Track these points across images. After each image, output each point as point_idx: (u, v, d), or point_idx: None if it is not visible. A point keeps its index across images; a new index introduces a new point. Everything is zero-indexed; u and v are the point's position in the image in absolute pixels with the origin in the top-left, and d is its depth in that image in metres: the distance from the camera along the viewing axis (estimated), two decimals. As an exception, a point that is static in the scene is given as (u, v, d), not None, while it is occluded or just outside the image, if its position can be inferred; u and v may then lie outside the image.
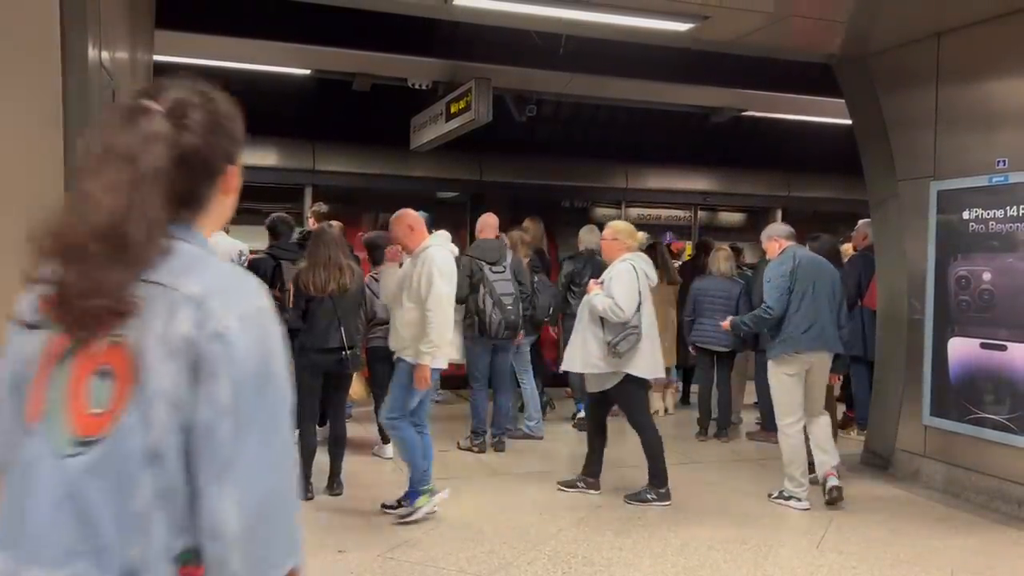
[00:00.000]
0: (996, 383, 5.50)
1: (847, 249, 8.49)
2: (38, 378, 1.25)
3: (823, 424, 5.58)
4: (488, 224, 6.92)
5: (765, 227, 5.94)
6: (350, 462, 5.75)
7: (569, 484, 5.67)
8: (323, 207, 7.60)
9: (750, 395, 7.81)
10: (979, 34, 5.66)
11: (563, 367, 5.68)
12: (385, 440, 6.36)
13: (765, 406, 6.98)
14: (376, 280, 5.94)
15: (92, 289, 1.19)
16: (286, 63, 8.13)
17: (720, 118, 10.31)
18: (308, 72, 8.42)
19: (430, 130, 8.83)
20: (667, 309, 8.32)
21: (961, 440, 5.77)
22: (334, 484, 5.50)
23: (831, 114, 9.11)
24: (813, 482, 6.03)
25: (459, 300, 6.72)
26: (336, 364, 5.38)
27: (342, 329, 5.31)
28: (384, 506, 5.15)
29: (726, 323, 6.09)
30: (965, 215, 5.74)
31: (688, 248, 11.27)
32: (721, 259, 7.59)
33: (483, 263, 6.61)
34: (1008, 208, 5.43)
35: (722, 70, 8.48)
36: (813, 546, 4.78)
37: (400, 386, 4.94)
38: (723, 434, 7.47)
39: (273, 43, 7.36)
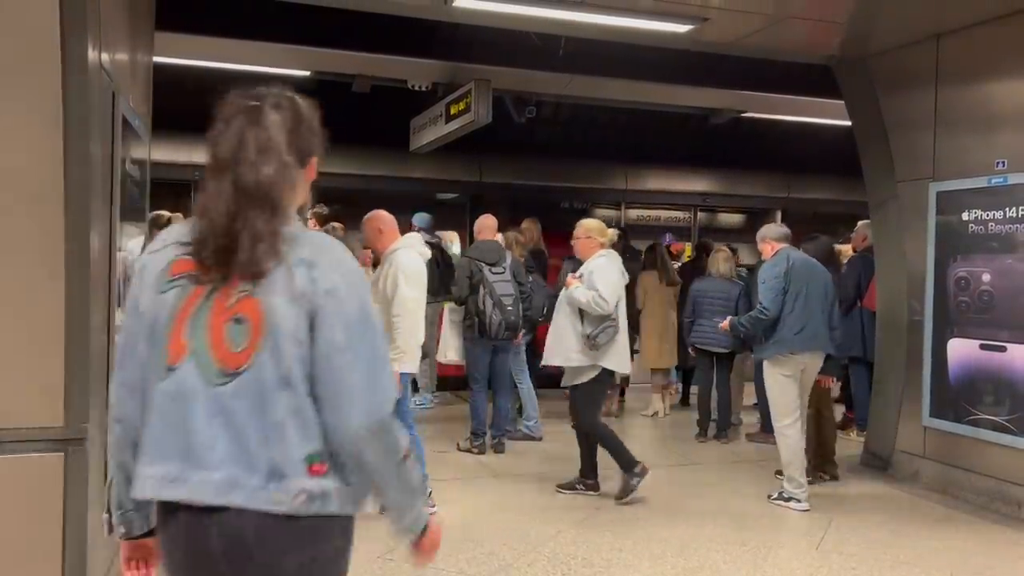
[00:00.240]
0: (995, 384, 5.50)
1: (846, 250, 8.49)
2: (175, 328, 1.63)
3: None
4: (487, 225, 6.93)
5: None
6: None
7: (568, 486, 5.67)
8: (324, 209, 7.60)
9: (749, 396, 7.81)
10: (978, 35, 5.66)
11: (544, 362, 5.69)
12: None
13: (764, 407, 6.98)
14: None
15: (242, 254, 1.59)
16: (286, 65, 8.13)
17: (719, 119, 10.31)
18: (308, 74, 8.42)
19: (430, 131, 8.83)
20: (667, 310, 8.32)
21: (960, 441, 5.77)
22: None
23: (831, 115, 9.12)
24: (812, 481, 6.05)
25: (459, 301, 6.74)
26: None
27: None
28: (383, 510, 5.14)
29: (725, 324, 6.10)
30: (964, 216, 5.74)
31: (688, 249, 11.27)
32: (720, 260, 7.59)
33: (483, 264, 6.62)
34: (1007, 209, 5.44)
35: (721, 71, 8.49)
36: (813, 547, 4.78)
37: None
38: (723, 435, 7.47)
39: (273, 45, 7.37)
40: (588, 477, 5.68)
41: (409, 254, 4.92)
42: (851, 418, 7.85)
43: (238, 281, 1.60)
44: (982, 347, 5.60)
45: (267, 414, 1.59)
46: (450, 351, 7.15)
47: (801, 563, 4.55)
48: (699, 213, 12.27)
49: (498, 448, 6.82)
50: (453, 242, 9.95)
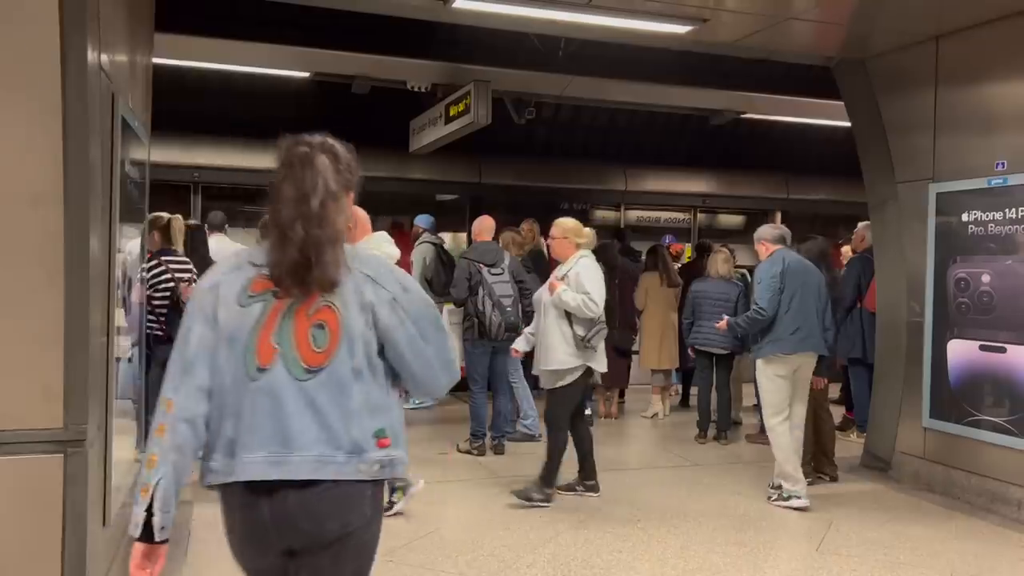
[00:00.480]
0: (995, 385, 5.50)
1: (846, 251, 8.49)
2: (262, 335, 1.97)
3: (799, 432, 5.64)
4: (484, 227, 6.93)
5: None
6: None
7: (567, 488, 5.66)
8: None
9: (749, 397, 7.80)
10: (977, 37, 5.66)
11: (535, 369, 5.58)
12: None
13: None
14: None
15: (317, 271, 1.97)
16: (285, 66, 8.14)
17: (719, 120, 10.32)
18: (307, 75, 8.43)
19: (429, 133, 8.83)
20: (668, 312, 8.33)
21: (961, 442, 5.77)
22: None
23: (830, 116, 9.12)
24: (812, 483, 6.05)
25: (458, 303, 6.74)
26: None
27: None
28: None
29: (722, 324, 6.11)
30: (964, 217, 5.74)
31: (688, 250, 11.27)
32: (720, 261, 7.60)
33: (481, 265, 6.62)
34: (1007, 210, 5.44)
35: (721, 72, 8.49)
36: (813, 548, 4.78)
37: None
38: (722, 436, 7.47)
39: (272, 46, 7.37)
40: (587, 477, 5.67)
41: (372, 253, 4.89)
42: (851, 419, 7.84)
43: (317, 294, 1.98)
44: (982, 348, 5.60)
45: (345, 401, 1.98)
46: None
47: (801, 564, 4.55)
48: (699, 214, 12.27)
49: (498, 449, 6.82)
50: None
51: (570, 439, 5.55)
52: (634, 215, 11.96)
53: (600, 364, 5.46)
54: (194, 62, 7.85)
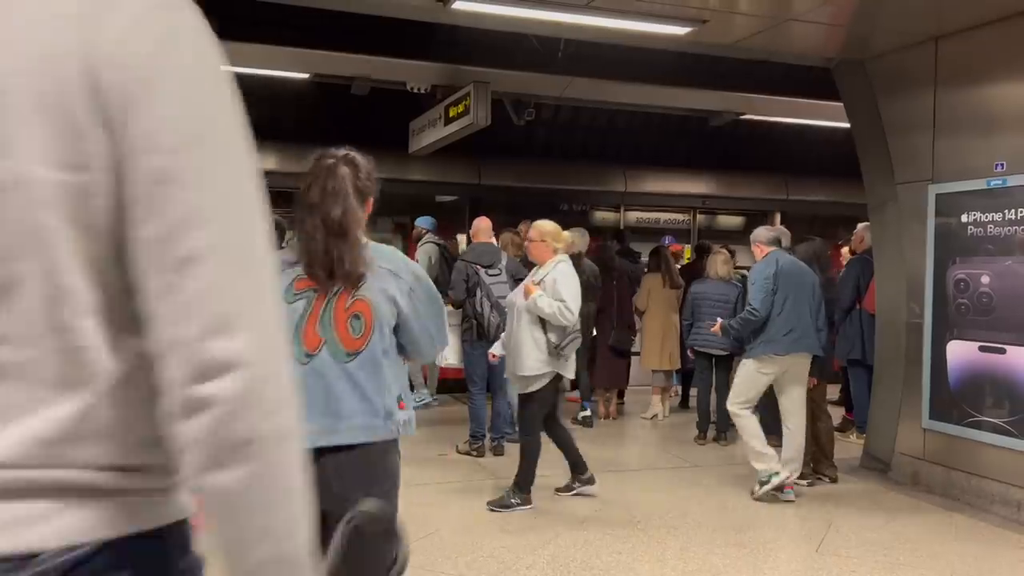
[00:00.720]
0: (995, 386, 5.50)
1: (845, 252, 8.49)
2: (308, 327, 2.42)
3: (796, 431, 5.71)
4: (482, 228, 6.93)
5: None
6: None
7: (565, 488, 5.66)
8: None
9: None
10: (977, 38, 5.66)
11: (507, 372, 5.51)
12: None
13: (764, 410, 6.97)
14: None
15: (341, 268, 2.40)
16: (284, 67, 8.13)
17: (719, 121, 10.31)
18: (307, 76, 8.42)
19: (429, 134, 8.83)
20: (670, 313, 8.34)
21: (960, 443, 5.77)
22: None
23: (830, 117, 9.12)
24: (811, 484, 6.06)
25: (456, 304, 6.74)
26: None
27: None
28: None
29: (716, 328, 6.15)
30: (963, 218, 5.74)
31: (687, 251, 11.27)
32: (719, 262, 7.60)
33: (479, 267, 6.61)
34: (1006, 211, 5.44)
35: (721, 73, 8.49)
36: (812, 549, 4.78)
37: None
38: (722, 437, 7.46)
39: (271, 47, 7.36)
40: (580, 472, 5.64)
41: None
42: (851, 420, 7.84)
43: (350, 289, 2.42)
44: (981, 349, 5.60)
45: (379, 377, 2.46)
46: (449, 354, 7.15)
47: (800, 565, 4.54)
48: (698, 215, 12.27)
49: (497, 450, 6.81)
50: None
51: (552, 443, 5.52)
52: (633, 216, 11.96)
53: (569, 371, 5.32)
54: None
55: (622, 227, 11.24)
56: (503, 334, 5.81)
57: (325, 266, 2.38)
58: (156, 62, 0.83)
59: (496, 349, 5.87)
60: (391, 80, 8.48)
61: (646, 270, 8.69)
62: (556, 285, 5.15)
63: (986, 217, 5.58)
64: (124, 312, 0.85)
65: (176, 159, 0.82)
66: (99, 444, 0.85)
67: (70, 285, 0.82)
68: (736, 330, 5.82)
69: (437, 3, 5.67)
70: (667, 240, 11.03)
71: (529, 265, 7.68)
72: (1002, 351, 5.45)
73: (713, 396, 7.64)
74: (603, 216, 11.86)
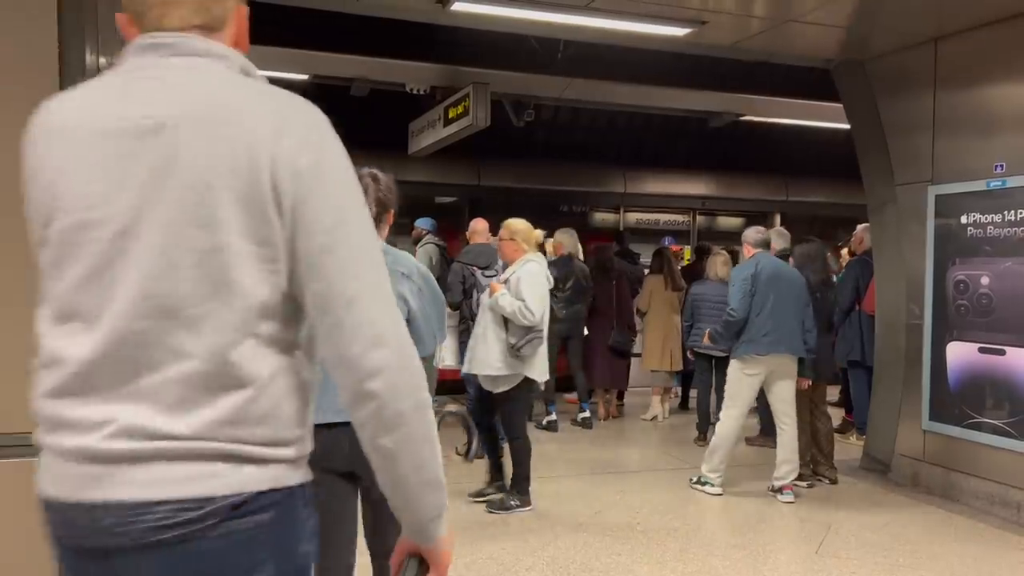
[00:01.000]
0: (995, 387, 5.50)
1: (845, 254, 8.49)
2: None
3: (789, 431, 5.74)
4: (478, 229, 6.93)
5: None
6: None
7: (478, 493, 5.57)
8: None
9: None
10: (976, 39, 5.66)
11: (464, 370, 5.46)
12: None
13: (764, 411, 6.99)
14: None
15: None
16: (284, 68, 8.12)
17: (718, 122, 10.32)
18: (306, 77, 8.42)
19: (428, 135, 8.84)
20: (671, 314, 8.34)
21: (960, 445, 5.76)
22: None
23: (829, 118, 9.13)
24: (811, 485, 6.06)
25: (453, 306, 6.73)
26: None
27: None
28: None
29: (705, 338, 6.18)
30: (963, 219, 5.74)
31: (687, 252, 11.28)
32: (718, 264, 7.60)
33: (475, 268, 6.61)
34: (1006, 212, 5.44)
35: (720, 74, 8.50)
36: (812, 551, 4.78)
37: None
38: (722, 439, 7.46)
39: (271, 48, 7.36)
40: (494, 480, 5.57)
41: None
42: (850, 422, 7.84)
43: None
44: (981, 351, 5.60)
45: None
46: (447, 356, 7.14)
47: (800, 567, 4.54)
48: (698, 216, 12.28)
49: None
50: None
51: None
52: (633, 217, 11.98)
53: (537, 374, 5.22)
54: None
55: (622, 228, 11.24)
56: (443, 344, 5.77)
57: None
58: (315, 170, 1.24)
59: (448, 359, 5.87)
60: (390, 81, 8.49)
61: (648, 271, 8.69)
62: (519, 284, 5.10)
63: (986, 218, 5.58)
64: (280, 338, 1.26)
65: (332, 235, 1.23)
66: (256, 426, 1.23)
67: (242, 322, 1.21)
68: (720, 334, 5.88)
69: (436, 4, 5.67)
70: (667, 241, 11.05)
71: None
72: (1002, 352, 5.44)
73: (713, 397, 7.63)
74: (603, 217, 11.88)
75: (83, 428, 1.24)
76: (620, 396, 8.85)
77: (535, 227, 8.16)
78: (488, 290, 5.26)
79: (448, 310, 7.05)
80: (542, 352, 5.22)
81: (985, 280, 5.58)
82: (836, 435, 6.65)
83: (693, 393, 8.45)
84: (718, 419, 7.57)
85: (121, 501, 1.19)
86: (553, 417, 7.91)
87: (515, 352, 5.08)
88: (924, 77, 6.05)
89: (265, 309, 1.23)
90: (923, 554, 4.76)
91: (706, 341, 6.23)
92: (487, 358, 5.12)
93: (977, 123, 5.72)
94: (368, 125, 9.16)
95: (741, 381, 5.71)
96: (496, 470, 5.61)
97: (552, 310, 7.69)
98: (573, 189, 11.09)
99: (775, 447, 5.84)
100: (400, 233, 9.60)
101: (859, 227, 7.66)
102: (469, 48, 7.69)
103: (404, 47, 7.65)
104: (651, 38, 6.29)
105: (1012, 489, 5.40)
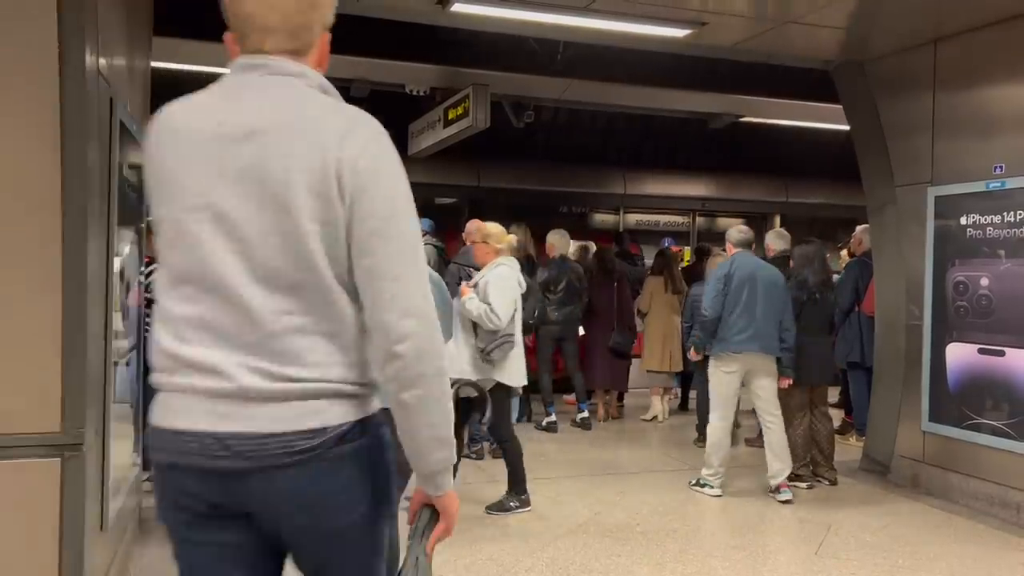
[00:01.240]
0: (994, 389, 5.50)
1: (844, 255, 8.49)
2: None
3: (775, 429, 5.78)
4: (473, 231, 6.91)
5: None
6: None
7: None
8: None
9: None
10: (976, 40, 5.67)
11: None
12: None
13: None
14: None
15: None
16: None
17: (718, 124, 10.32)
18: (306, 78, 8.41)
19: (428, 136, 8.84)
20: (672, 315, 8.34)
21: (960, 446, 5.76)
22: None
23: (829, 120, 9.13)
24: (811, 486, 6.05)
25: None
26: None
27: None
28: None
29: (691, 353, 6.19)
30: (963, 220, 5.74)
31: (687, 254, 11.28)
32: (717, 265, 7.59)
33: (471, 270, 6.60)
34: (1005, 213, 5.44)
35: (720, 76, 8.50)
36: (811, 552, 4.78)
37: None
38: (721, 440, 7.46)
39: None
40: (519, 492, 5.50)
41: None
42: (850, 423, 7.84)
43: None
44: (981, 352, 5.60)
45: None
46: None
47: (800, 568, 4.54)
48: (698, 218, 12.28)
49: (496, 453, 6.79)
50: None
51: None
52: (633, 218, 11.97)
53: (510, 379, 5.17)
54: (193, 66, 7.84)
55: (621, 229, 11.24)
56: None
57: None
58: (373, 170, 1.55)
59: None
60: (390, 82, 8.49)
61: (649, 272, 8.69)
62: (487, 288, 5.06)
63: (985, 219, 5.58)
64: (353, 299, 1.56)
65: (384, 223, 1.54)
66: (350, 369, 1.57)
67: (328, 283, 1.53)
68: (697, 336, 5.92)
69: (436, 5, 5.67)
70: (667, 242, 11.04)
71: (529, 270, 7.73)
72: (1001, 353, 5.45)
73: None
74: (602, 218, 11.88)
75: (214, 373, 1.52)
76: (620, 397, 8.85)
77: (534, 227, 8.21)
78: (460, 295, 5.19)
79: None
80: (515, 356, 5.16)
81: (985, 281, 5.58)
82: (836, 436, 6.65)
83: (693, 394, 8.45)
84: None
85: (253, 432, 1.50)
86: (553, 418, 7.91)
87: (485, 356, 5.04)
88: (924, 78, 6.05)
89: (340, 277, 1.54)
90: (922, 555, 4.76)
91: (693, 356, 6.23)
92: (457, 363, 5.05)
93: (976, 124, 5.72)
94: (368, 126, 9.16)
95: (719, 379, 5.81)
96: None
97: (545, 312, 7.72)
98: (573, 190, 11.09)
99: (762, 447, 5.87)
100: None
101: (858, 228, 7.66)
102: (469, 49, 7.69)
103: (404, 48, 7.65)
104: (651, 39, 6.29)
105: (1011, 490, 5.40)
